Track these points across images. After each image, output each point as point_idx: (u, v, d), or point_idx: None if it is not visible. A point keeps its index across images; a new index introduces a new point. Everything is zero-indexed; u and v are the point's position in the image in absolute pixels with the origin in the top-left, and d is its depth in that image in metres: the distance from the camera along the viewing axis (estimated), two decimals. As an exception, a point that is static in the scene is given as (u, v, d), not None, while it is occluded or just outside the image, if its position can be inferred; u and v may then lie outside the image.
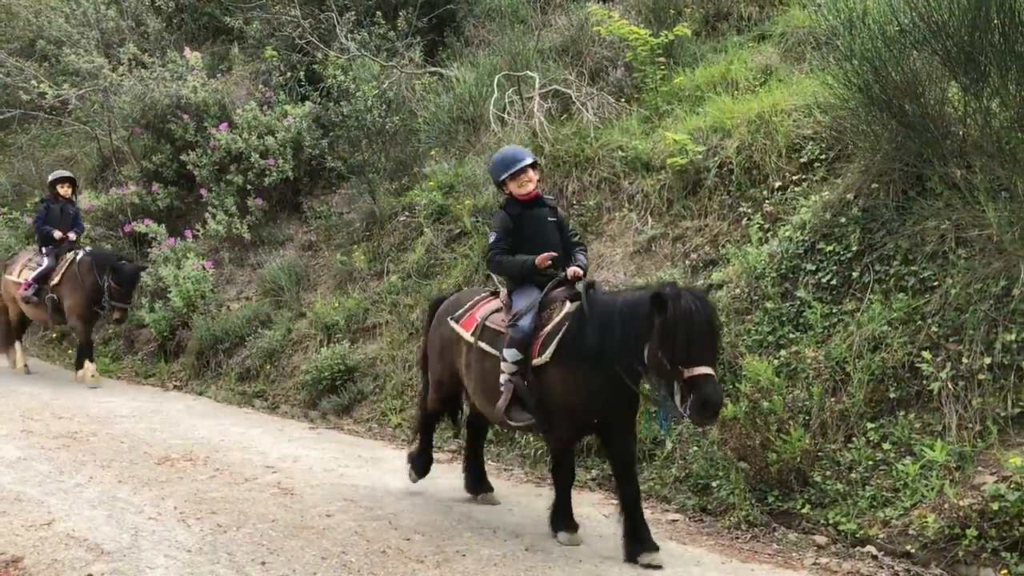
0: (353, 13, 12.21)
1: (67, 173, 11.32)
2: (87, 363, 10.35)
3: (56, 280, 10.45)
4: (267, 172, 11.50)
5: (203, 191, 12.02)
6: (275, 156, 11.51)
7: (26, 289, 10.56)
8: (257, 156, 11.50)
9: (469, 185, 9.60)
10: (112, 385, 10.53)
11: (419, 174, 10.59)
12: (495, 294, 5.89)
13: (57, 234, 10.64)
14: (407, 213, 10.31)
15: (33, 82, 13.11)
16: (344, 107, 11.17)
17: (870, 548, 5.01)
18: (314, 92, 12.07)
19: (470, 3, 12.34)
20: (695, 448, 6.14)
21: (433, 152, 10.56)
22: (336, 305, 9.88)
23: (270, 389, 9.76)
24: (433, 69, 11.65)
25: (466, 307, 5.89)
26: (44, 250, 10.75)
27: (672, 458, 6.32)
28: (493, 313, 5.63)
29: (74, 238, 10.81)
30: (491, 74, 10.20)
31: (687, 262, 7.39)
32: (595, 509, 5.98)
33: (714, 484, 5.91)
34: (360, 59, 11.63)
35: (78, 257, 10.45)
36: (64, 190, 10.91)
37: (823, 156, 7.06)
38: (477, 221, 9.12)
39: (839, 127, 6.92)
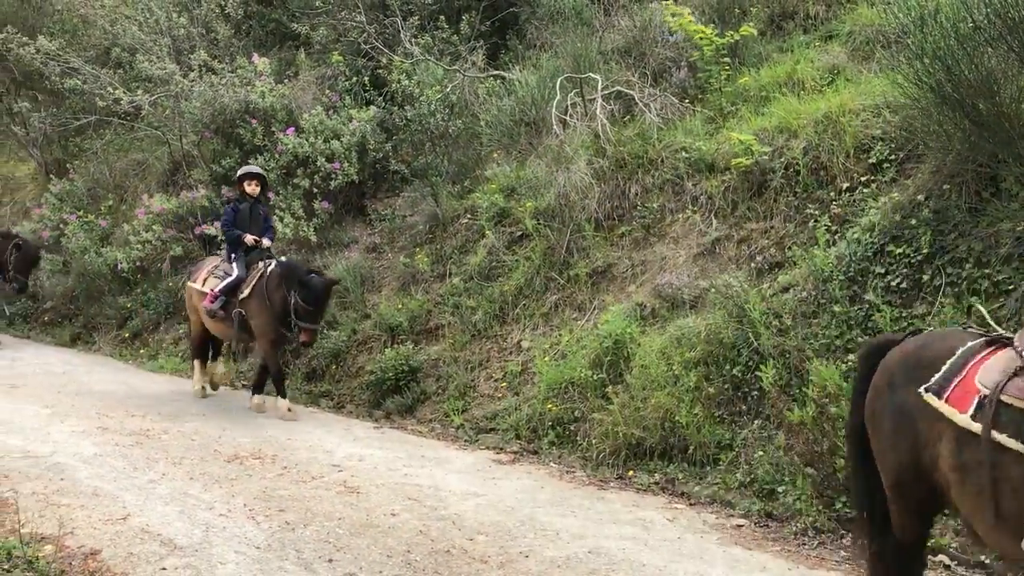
0: (417, 18, 12.35)
1: (257, 168, 9.99)
2: (280, 400, 8.99)
3: (245, 293, 9.14)
4: (333, 176, 11.67)
5: (271, 194, 12.25)
6: (340, 160, 11.68)
7: (211, 301, 9.29)
8: (323, 160, 11.67)
9: (530, 187, 9.63)
10: (183, 384, 10.79)
11: (481, 177, 10.66)
12: (996, 342, 3.51)
13: (248, 239, 9.40)
14: (469, 216, 10.38)
15: (109, 88, 13.51)
16: (408, 111, 11.29)
17: (942, 557, 4.90)
18: (378, 96, 12.22)
19: (532, 5, 12.36)
20: (760, 453, 6.07)
21: (495, 155, 10.61)
22: (399, 306, 9.99)
23: (335, 389, 9.90)
24: (495, 72, 11.71)
25: (947, 368, 3.51)
26: (233, 257, 9.51)
27: (737, 463, 6.26)
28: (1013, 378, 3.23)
29: (268, 244, 9.58)
30: (553, 76, 10.21)
31: (752, 264, 7.31)
32: (658, 513, 5.95)
33: (780, 489, 5.83)
34: (423, 63, 11.75)
35: (268, 269, 9.13)
36: (252, 188, 9.67)
37: (892, 157, 6.93)
38: (539, 223, 9.15)
39: (909, 127, 6.78)
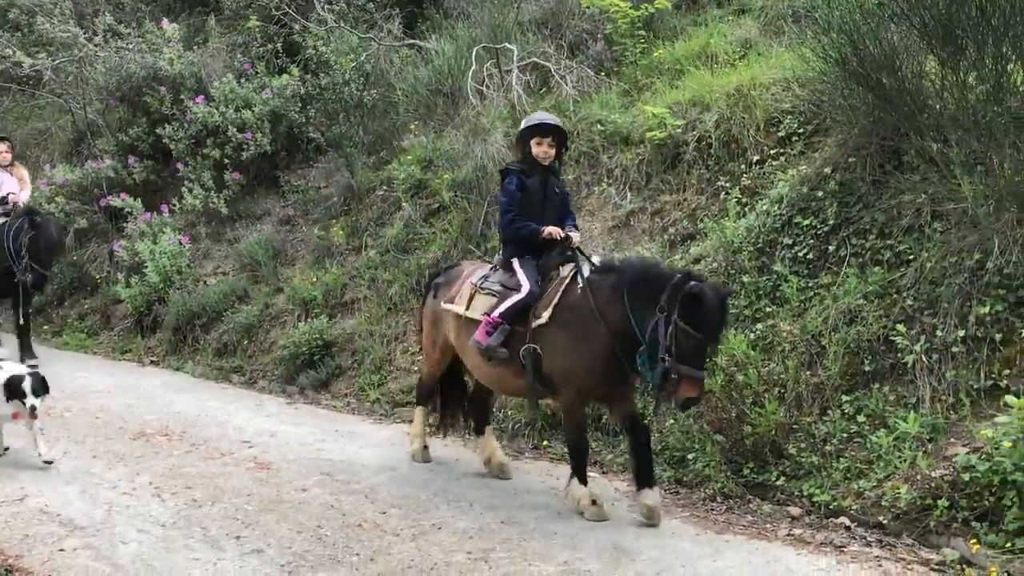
0: (331, -17, 12.06)
1: (553, 119, 6.04)
2: (648, 494, 5.20)
3: (543, 318, 5.41)
4: (245, 146, 11.38)
5: (180, 165, 11.89)
6: (252, 130, 11.38)
7: (487, 334, 5.56)
8: (235, 130, 11.36)
9: (447, 159, 9.53)
10: (88, 360, 10.45)
11: (397, 148, 10.50)
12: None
13: (552, 231, 5.69)
14: (385, 187, 10.23)
15: (8, 51, 12.87)
16: (322, 79, 11.05)
17: (843, 519, 5.04)
18: (292, 64, 11.93)
19: (449, -26, 12.20)
20: (671, 421, 6.15)
21: (412, 126, 10.47)
22: (314, 280, 9.81)
23: (247, 364, 9.70)
24: (411, 41, 11.53)
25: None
26: (516, 264, 5.76)
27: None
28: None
29: (577, 237, 5.83)
30: (470, 47, 10.10)
31: (665, 236, 7.38)
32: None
33: (690, 457, 5.93)
34: (338, 31, 11.49)
35: (584, 277, 5.43)
36: (544, 149, 5.88)
37: (801, 130, 7.05)
38: (456, 195, 9.07)
39: (817, 101, 6.91)
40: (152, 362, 10.46)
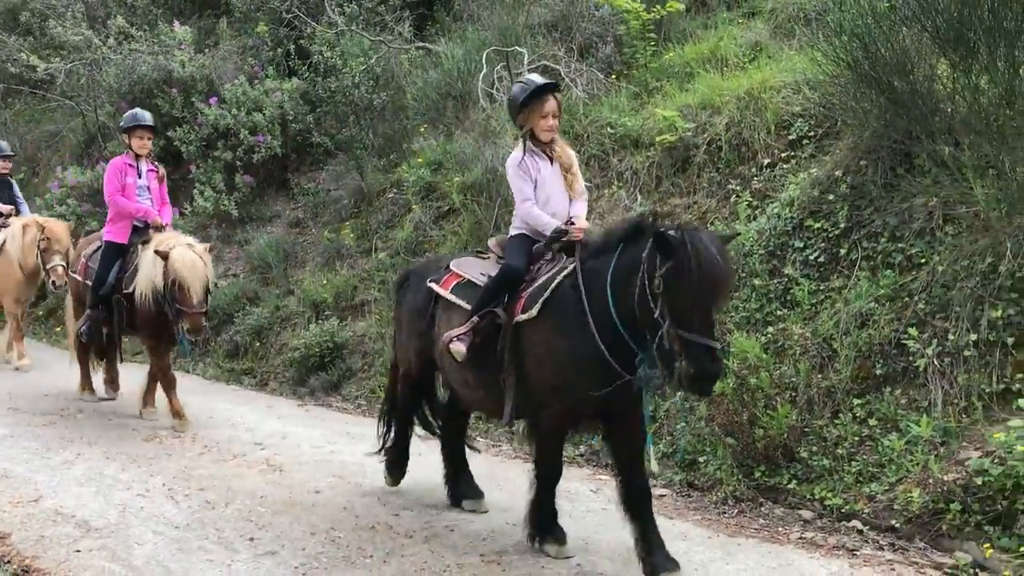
0: (342, -13, 12.09)
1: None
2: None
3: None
4: (255, 148, 11.42)
5: (191, 167, 11.94)
6: (263, 132, 11.43)
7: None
8: (246, 132, 11.41)
9: (457, 162, 9.55)
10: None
11: (407, 151, 10.54)
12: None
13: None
14: (395, 190, 10.27)
15: (22, 55, 12.94)
16: (332, 82, 11.08)
17: (855, 523, 5.05)
18: (302, 67, 11.97)
19: (459, -24, 12.23)
20: (682, 424, 6.16)
21: (422, 128, 10.50)
22: (324, 282, 9.85)
23: (259, 366, 9.74)
24: (422, 44, 11.56)
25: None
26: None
27: (660, 434, 6.34)
28: None
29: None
30: (480, 49, 10.13)
31: (676, 239, 7.37)
32: (583, 485, 6.00)
33: (701, 460, 5.94)
34: (348, 34, 11.52)
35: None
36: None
37: (812, 133, 7.05)
38: (466, 198, 9.09)
39: (828, 104, 6.90)
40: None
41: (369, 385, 8.55)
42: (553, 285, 4.45)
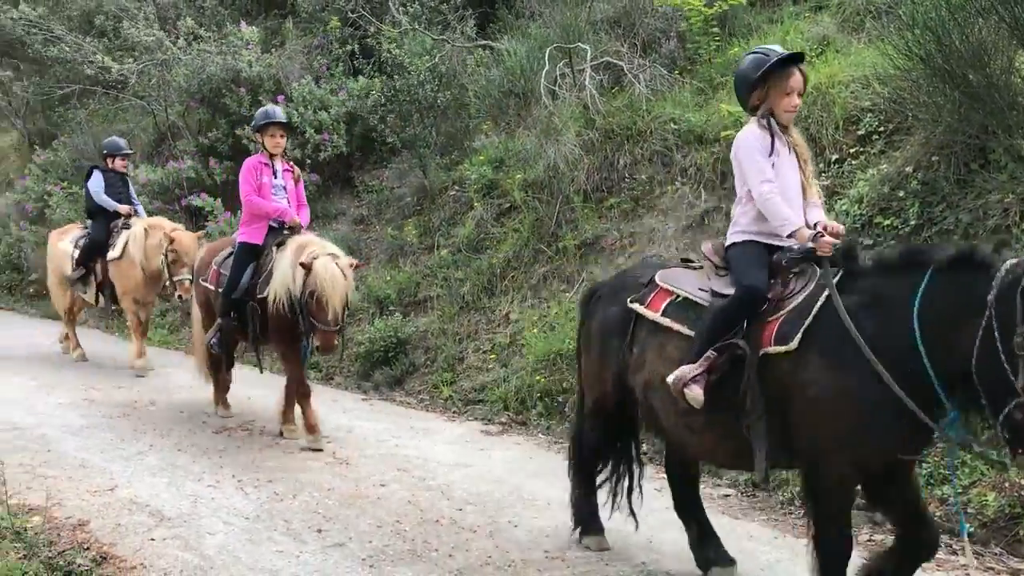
0: (406, -15, 12.21)
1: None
2: None
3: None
4: (321, 147, 11.59)
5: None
6: (329, 131, 11.59)
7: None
8: (312, 131, 11.58)
9: (519, 159, 9.58)
10: (170, 356, 10.75)
11: (469, 148, 10.60)
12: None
13: None
14: (457, 187, 10.34)
15: (98, 57, 13.32)
16: (396, 81, 11.19)
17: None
18: (367, 66, 12.11)
19: (522, -26, 12.25)
20: (747, 423, 6.08)
21: (484, 126, 10.55)
22: (388, 278, 9.97)
23: (324, 361, 9.88)
24: (484, 42, 11.61)
25: None
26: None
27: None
28: None
29: None
30: (542, 47, 10.13)
31: (741, 236, 7.30)
32: (646, 483, 5.96)
33: (767, 459, 5.86)
34: (412, 33, 11.63)
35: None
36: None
37: (881, 128, 6.92)
38: (527, 195, 9.11)
39: (899, 99, 6.76)
40: (231, 358, 10.67)
41: (432, 380, 8.62)
42: (817, 308, 3.60)
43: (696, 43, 9.24)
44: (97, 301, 10.14)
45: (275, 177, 7.23)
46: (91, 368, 9.80)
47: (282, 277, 6.54)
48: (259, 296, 6.84)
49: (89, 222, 10.29)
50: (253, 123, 7.43)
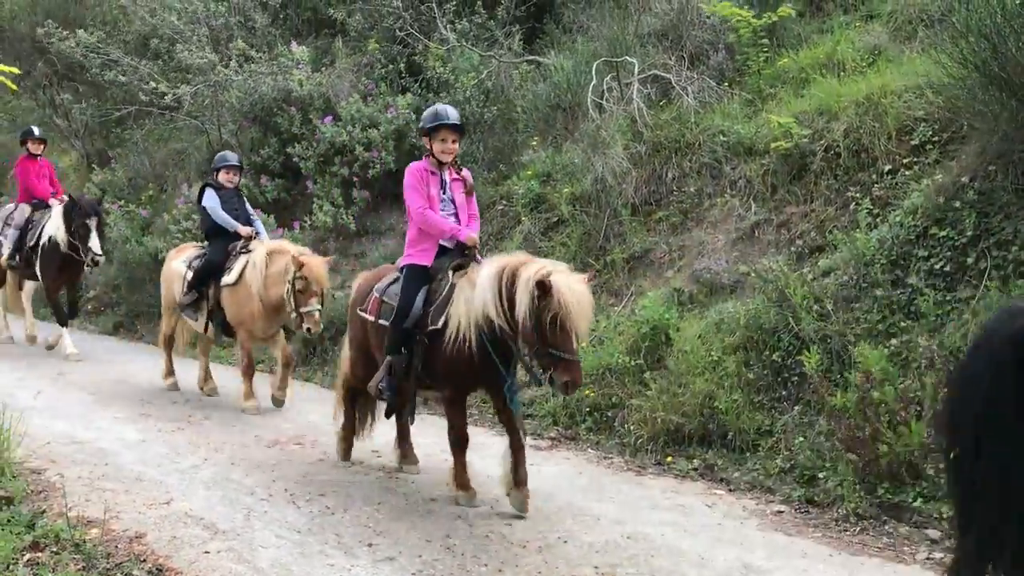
0: (453, 3, 12.32)
1: None
2: None
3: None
4: (371, 164, 11.72)
5: (309, 183, 12.33)
6: (378, 148, 11.72)
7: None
8: (361, 148, 11.72)
9: (567, 173, 9.59)
10: (222, 371, 10.90)
11: (517, 163, 10.63)
12: None
13: None
14: (505, 202, 10.37)
15: (152, 83, 13.66)
16: (444, 98, 11.28)
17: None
18: (415, 83, 12.23)
19: (568, -11, 12.30)
20: (801, 439, 6.01)
21: (531, 141, 10.58)
22: (437, 293, 9.99)
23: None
24: (531, 57, 11.66)
25: None
26: None
27: (777, 449, 6.20)
28: None
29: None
30: (589, 61, 10.14)
31: (792, 248, 7.22)
32: (698, 499, 5.92)
33: (821, 475, 5.77)
34: (459, 49, 11.73)
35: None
36: None
37: (936, 138, 6.80)
38: (575, 209, 9.10)
39: (953, 108, 6.65)
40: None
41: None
42: None
43: (745, 54, 9.18)
44: (206, 329, 9.14)
45: (443, 190, 6.17)
46: (146, 383, 9.96)
47: (480, 303, 5.38)
48: (430, 328, 5.75)
49: (206, 243, 9.37)
50: (420, 124, 6.39)
